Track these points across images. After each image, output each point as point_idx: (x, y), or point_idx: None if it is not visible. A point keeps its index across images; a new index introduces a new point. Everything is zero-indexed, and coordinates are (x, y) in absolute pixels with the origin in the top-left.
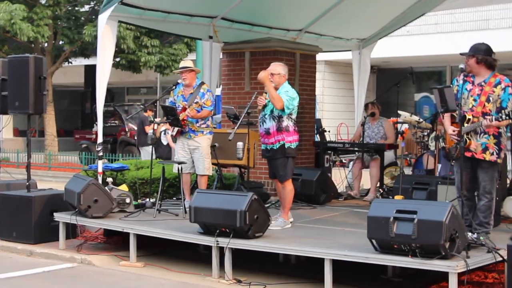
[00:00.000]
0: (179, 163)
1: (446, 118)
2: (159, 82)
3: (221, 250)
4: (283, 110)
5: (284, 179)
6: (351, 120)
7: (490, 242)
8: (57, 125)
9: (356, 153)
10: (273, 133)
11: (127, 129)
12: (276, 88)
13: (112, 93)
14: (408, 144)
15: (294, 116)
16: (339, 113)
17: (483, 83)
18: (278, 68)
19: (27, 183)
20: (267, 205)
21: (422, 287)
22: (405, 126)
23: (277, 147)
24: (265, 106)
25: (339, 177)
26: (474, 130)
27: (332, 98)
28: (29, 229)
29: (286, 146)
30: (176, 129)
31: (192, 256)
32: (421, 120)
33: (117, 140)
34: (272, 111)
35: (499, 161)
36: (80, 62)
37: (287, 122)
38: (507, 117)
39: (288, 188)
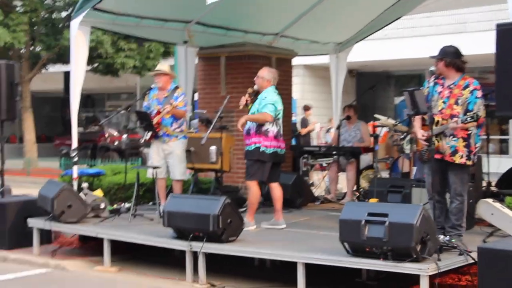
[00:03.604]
0: (154, 167)
1: (417, 121)
2: (139, 87)
3: (195, 254)
4: (272, 119)
5: (248, 179)
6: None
7: (462, 244)
8: (38, 131)
9: (334, 156)
10: (252, 135)
11: (106, 135)
12: (259, 92)
13: (92, 99)
14: (388, 148)
15: (279, 121)
16: (320, 117)
17: (452, 86)
18: (263, 72)
19: (1, 189)
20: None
21: None
22: (385, 129)
23: (252, 149)
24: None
25: (318, 181)
26: (443, 133)
27: (312, 102)
28: (3, 235)
29: (260, 150)
30: (149, 133)
31: (167, 260)
32: (396, 123)
33: (97, 145)
34: (253, 114)
35: (468, 163)
36: (59, 68)
37: (267, 126)
38: (472, 120)
39: (251, 190)
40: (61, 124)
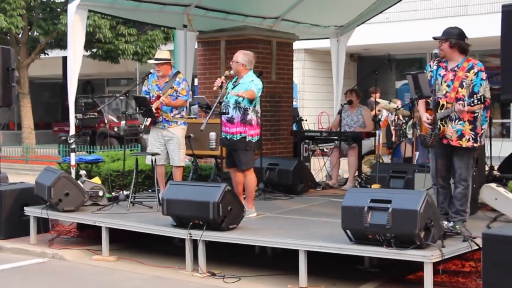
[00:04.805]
0: (153, 154)
1: (421, 104)
2: (138, 72)
3: (195, 242)
4: (251, 100)
5: (245, 167)
6: (332, 109)
7: (466, 230)
8: (37, 117)
9: (335, 141)
10: (236, 124)
11: (106, 121)
12: (233, 76)
13: (92, 85)
14: (389, 132)
15: (257, 108)
16: (320, 101)
17: (456, 68)
18: (238, 55)
19: None
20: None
21: (399, 277)
22: (386, 114)
23: (238, 138)
24: (228, 92)
25: (319, 167)
26: (449, 116)
27: (312, 87)
28: None
29: (247, 140)
30: (149, 119)
31: (167, 249)
32: (399, 107)
33: (96, 132)
34: (237, 101)
35: (475, 145)
36: (58, 53)
37: (251, 115)
38: (479, 102)
39: (250, 177)
40: (60, 111)
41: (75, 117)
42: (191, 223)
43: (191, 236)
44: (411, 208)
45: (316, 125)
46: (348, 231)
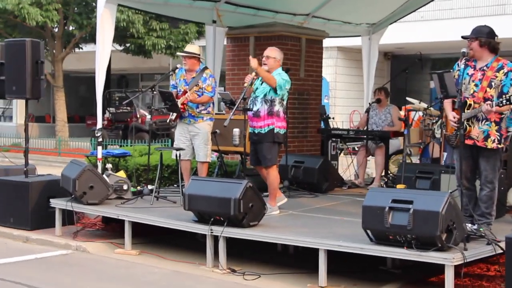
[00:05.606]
0: (177, 149)
1: (447, 104)
2: (172, 67)
3: (216, 238)
4: (275, 91)
5: (269, 164)
6: (364, 107)
7: (490, 233)
8: (72, 111)
9: (363, 140)
10: (263, 117)
11: (138, 115)
12: (269, 72)
13: (126, 79)
14: (421, 132)
15: (285, 102)
16: (352, 100)
17: (485, 68)
18: (274, 52)
19: (25, 169)
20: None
21: (421, 279)
22: (420, 113)
23: (266, 131)
24: (256, 88)
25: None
26: (476, 117)
27: (345, 85)
28: (26, 215)
29: (275, 131)
30: (174, 114)
31: (189, 244)
32: (428, 107)
33: (128, 126)
34: (265, 95)
35: (499, 146)
36: (93, 48)
37: (278, 107)
38: (508, 102)
39: (273, 174)
40: (94, 104)
41: (108, 110)
42: (212, 219)
43: (212, 232)
44: (433, 209)
45: (348, 124)
46: (368, 231)
